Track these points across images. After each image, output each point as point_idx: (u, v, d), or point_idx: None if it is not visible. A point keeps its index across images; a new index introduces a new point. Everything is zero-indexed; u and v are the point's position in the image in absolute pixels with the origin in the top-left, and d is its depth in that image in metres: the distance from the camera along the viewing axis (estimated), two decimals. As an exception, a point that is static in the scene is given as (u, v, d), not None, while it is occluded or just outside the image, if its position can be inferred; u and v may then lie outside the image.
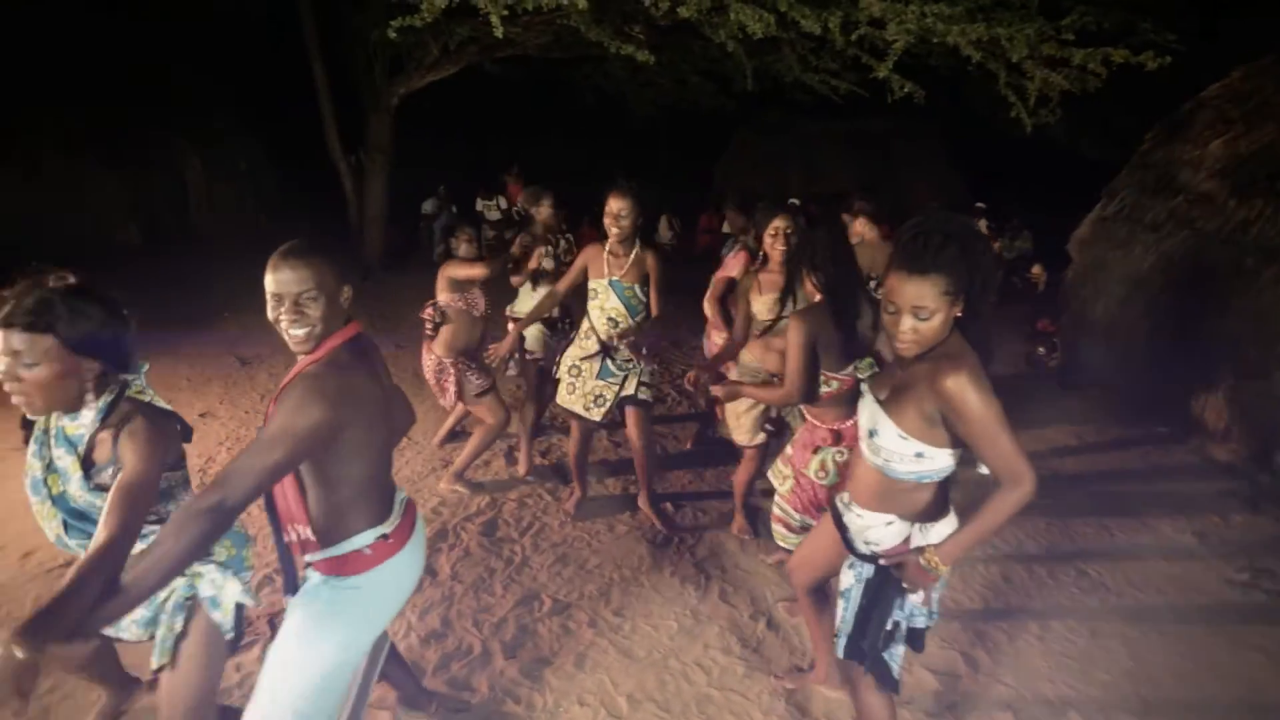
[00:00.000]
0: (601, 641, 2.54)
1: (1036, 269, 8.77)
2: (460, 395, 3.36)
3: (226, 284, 7.14)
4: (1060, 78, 4.93)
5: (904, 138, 13.67)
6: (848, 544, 1.77)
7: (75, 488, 1.47)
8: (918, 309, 1.47)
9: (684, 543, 3.18)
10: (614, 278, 2.93)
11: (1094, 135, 11.85)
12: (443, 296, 3.32)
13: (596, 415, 3.06)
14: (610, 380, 3.03)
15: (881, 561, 1.67)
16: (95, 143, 7.92)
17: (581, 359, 3.06)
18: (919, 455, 1.56)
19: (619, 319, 2.96)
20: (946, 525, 1.65)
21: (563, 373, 3.11)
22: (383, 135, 8.13)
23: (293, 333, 1.43)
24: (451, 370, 3.32)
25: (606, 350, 3.00)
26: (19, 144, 7.46)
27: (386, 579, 1.58)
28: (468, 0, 3.68)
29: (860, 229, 3.80)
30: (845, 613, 1.74)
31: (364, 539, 1.52)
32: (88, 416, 1.49)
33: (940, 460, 1.57)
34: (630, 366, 3.05)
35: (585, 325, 3.07)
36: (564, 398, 3.11)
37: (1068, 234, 5.83)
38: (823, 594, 2.16)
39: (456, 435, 4.07)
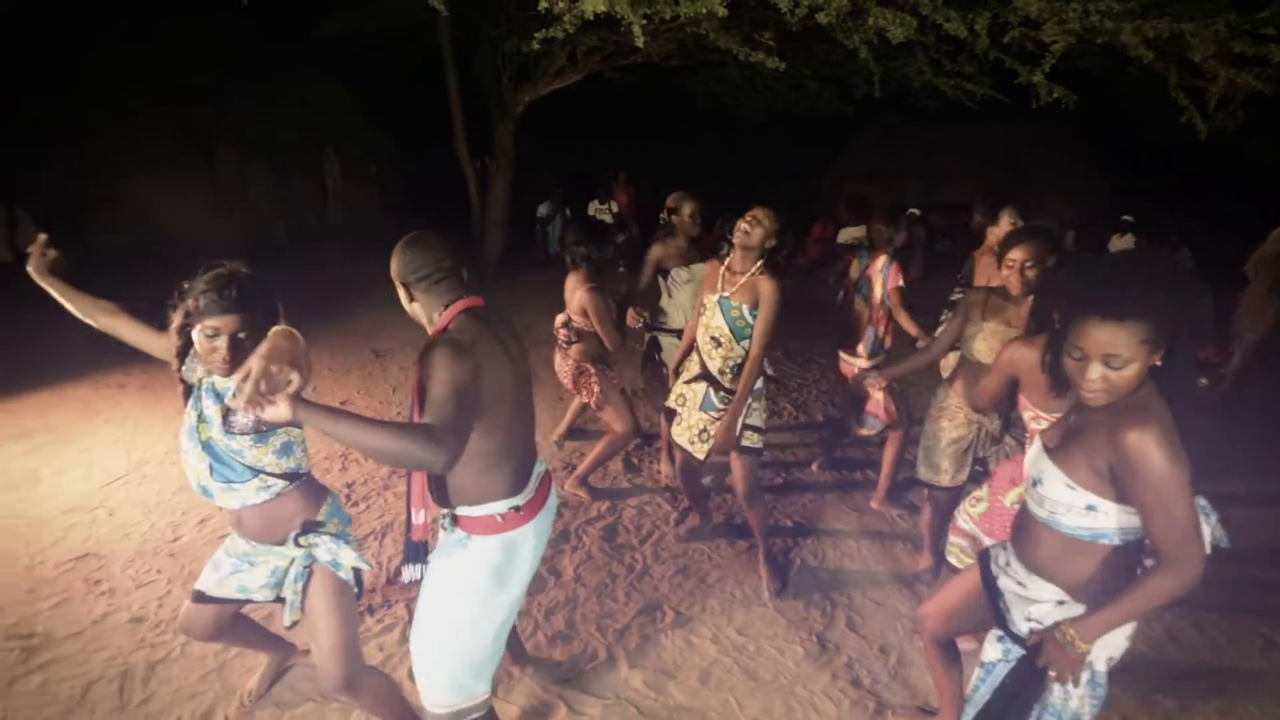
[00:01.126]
0: (725, 660, 2.49)
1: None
2: (603, 399, 3.39)
3: (360, 280, 7.66)
4: (1250, 77, 4.39)
5: (1035, 142, 12.74)
6: (999, 618, 1.58)
7: (216, 432, 1.69)
8: (1110, 357, 1.31)
9: (806, 565, 3.08)
10: (724, 295, 2.66)
11: (1266, 137, 10.56)
12: (578, 319, 3.30)
13: (700, 453, 2.77)
14: (714, 414, 2.73)
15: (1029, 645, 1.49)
16: (256, 149, 8.73)
17: (685, 383, 2.82)
18: (1090, 508, 1.39)
19: (721, 339, 2.68)
20: None
21: (672, 400, 2.88)
22: (507, 140, 8.46)
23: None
24: (593, 373, 3.37)
25: (709, 378, 2.73)
26: (195, 151, 8.34)
27: (515, 544, 1.72)
28: (606, 13, 3.73)
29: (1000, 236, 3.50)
30: (982, 686, 1.57)
31: (498, 507, 1.68)
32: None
33: (1115, 517, 1.38)
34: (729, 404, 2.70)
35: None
36: (674, 429, 2.85)
37: (1231, 250, 5.20)
38: (952, 647, 2.00)
39: (574, 433, 4.14)
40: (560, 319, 3.35)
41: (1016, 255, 2.40)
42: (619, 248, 10.54)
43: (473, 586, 1.69)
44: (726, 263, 2.72)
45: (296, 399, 1.23)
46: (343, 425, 1.29)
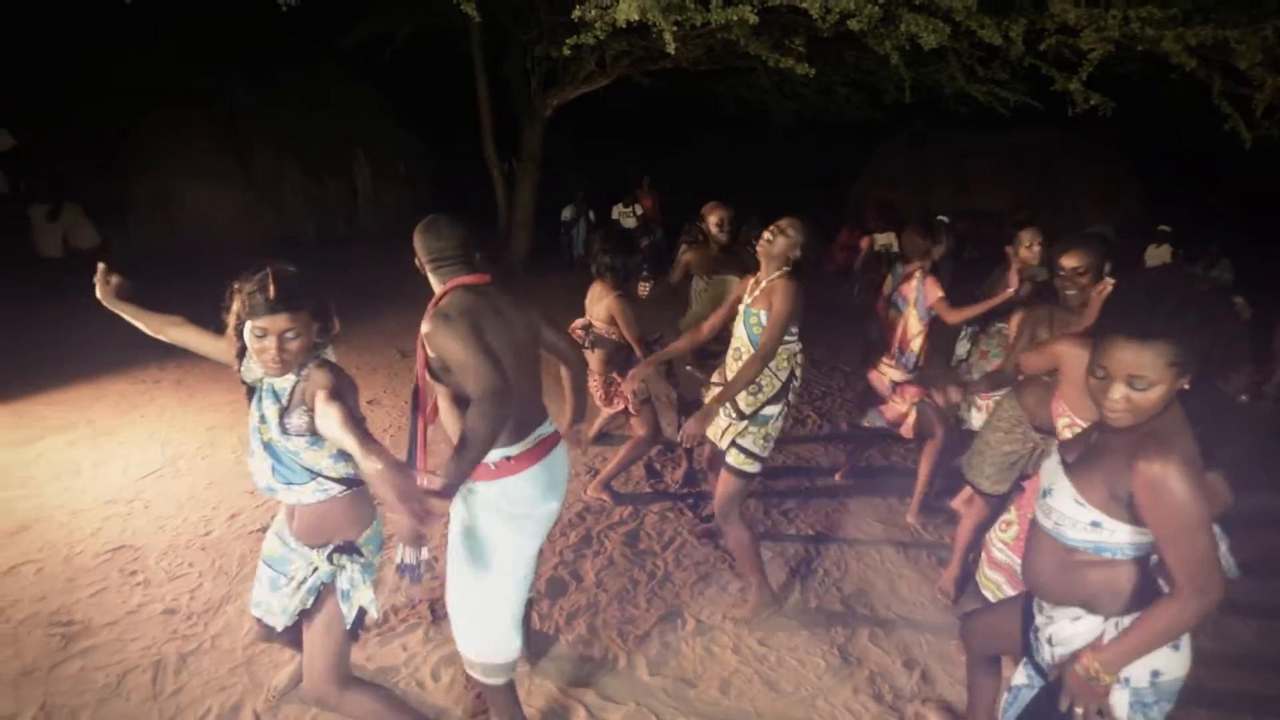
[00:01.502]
0: (746, 670, 2.48)
1: (1240, 302, 7.68)
2: (636, 403, 3.38)
3: (388, 281, 7.76)
4: (1300, 84, 4.26)
5: (1070, 148, 12.51)
6: (1027, 646, 1.56)
7: (275, 433, 1.70)
8: (1134, 378, 1.28)
9: (829, 576, 3.06)
10: (747, 303, 2.57)
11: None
12: (599, 324, 3.32)
13: (723, 444, 2.64)
14: (719, 421, 2.61)
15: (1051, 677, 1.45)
16: (289, 152, 8.91)
17: (714, 383, 2.75)
18: (1095, 524, 1.37)
19: (742, 350, 2.55)
20: None
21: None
22: (534, 144, 8.54)
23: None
24: (619, 381, 3.37)
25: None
26: (232, 153, 8.55)
27: (511, 490, 1.93)
28: (638, 19, 3.75)
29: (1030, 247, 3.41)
30: (1010, 709, 1.56)
31: (492, 455, 1.89)
32: (290, 374, 1.71)
33: (1120, 534, 1.36)
34: (733, 416, 2.55)
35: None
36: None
37: (1275, 262, 5.04)
38: (996, 663, 1.97)
39: (600, 438, 4.15)
40: (580, 323, 3.38)
41: (1068, 263, 2.32)
42: (643, 251, 10.54)
43: (482, 530, 1.93)
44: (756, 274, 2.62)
45: (436, 500, 1.51)
46: (463, 466, 1.66)
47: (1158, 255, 9.48)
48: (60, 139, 6.75)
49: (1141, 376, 1.27)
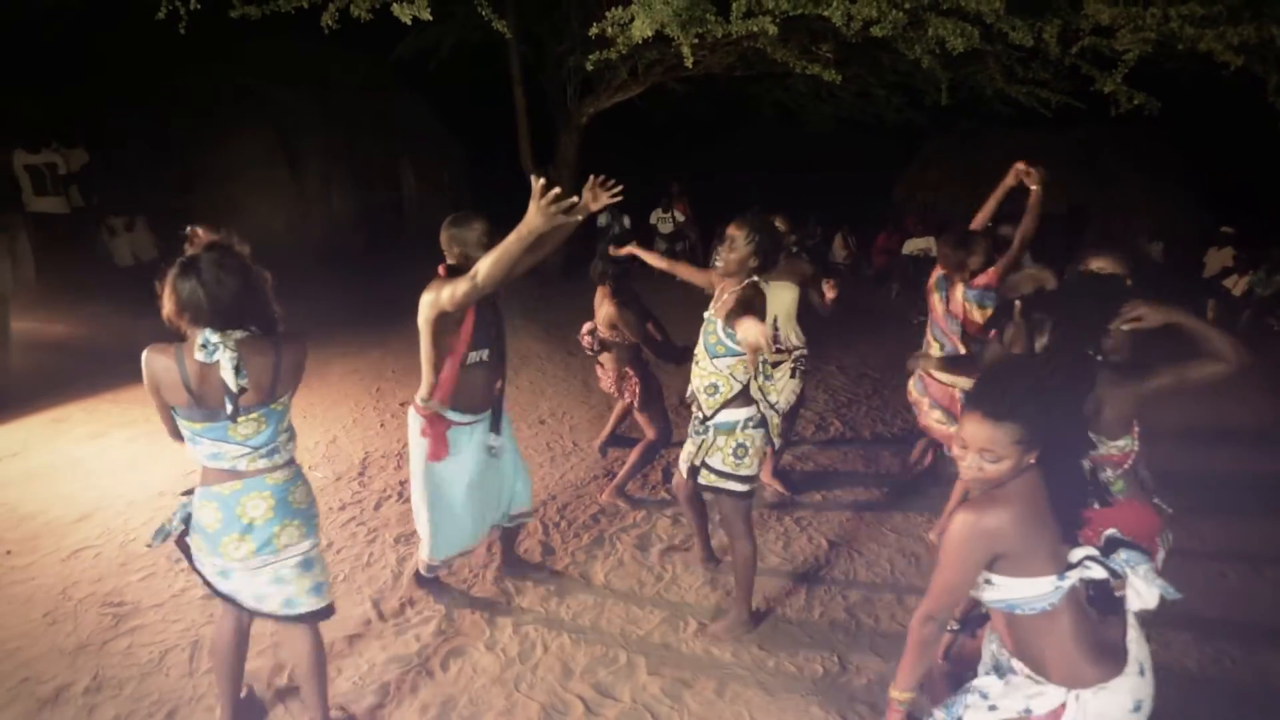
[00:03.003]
0: (743, 673, 2.53)
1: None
2: (646, 401, 3.49)
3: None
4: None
5: (1123, 148, 11.99)
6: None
7: None
8: (985, 451, 1.40)
9: (836, 584, 3.07)
10: (710, 312, 2.57)
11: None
12: (604, 330, 3.43)
13: (682, 475, 2.70)
14: (693, 438, 2.62)
15: None
16: (338, 162, 9.33)
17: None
18: (987, 582, 1.44)
19: (699, 357, 2.55)
20: (1117, 694, 1.38)
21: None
22: (570, 152, 8.70)
23: None
24: (633, 376, 3.49)
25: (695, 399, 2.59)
26: (285, 164, 9.01)
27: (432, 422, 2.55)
28: (659, 31, 3.84)
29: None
30: (954, 706, 1.60)
31: (416, 401, 2.61)
32: None
33: (1016, 589, 1.40)
34: (702, 431, 2.55)
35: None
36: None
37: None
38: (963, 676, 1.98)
39: (616, 440, 4.25)
40: (587, 327, 3.50)
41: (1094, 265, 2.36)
42: (676, 253, 10.63)
43: (418, 455, 2.59)
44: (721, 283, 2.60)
45: None
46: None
47: (1219, 258, 9.02)
48: (128, 156, 7.24)
49: (991, 451, 1.39)
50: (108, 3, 6.62)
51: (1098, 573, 1.39)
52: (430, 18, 3.89)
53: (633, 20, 3.69)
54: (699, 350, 2.55)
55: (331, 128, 9.51)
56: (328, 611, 2.04)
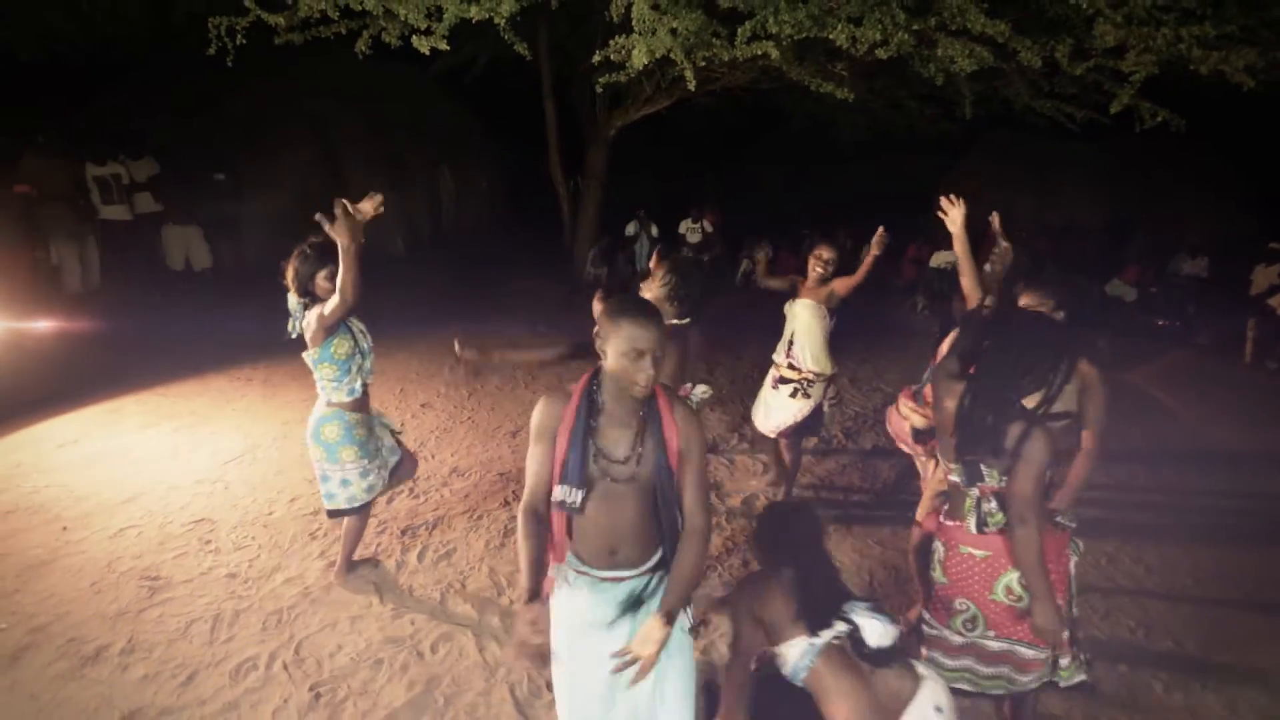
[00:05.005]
0: (699, 661, 2.68)
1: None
2: None
3: (459, 294, 8.40)
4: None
5: (1169, 160, 11.65)
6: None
7: None
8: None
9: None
10: None
11: None
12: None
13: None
14: None
15: None
16: (379, 170, 9.77)
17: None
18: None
19: None
20: None
21: None
22: (598, 163, 8.97)
23: None
24: None
25: None
26: (329, 174, 9.50)
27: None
28: (649, 61, 3.99)
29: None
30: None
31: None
32: None
33: (785, 654, 1.64)
34: None
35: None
36: None
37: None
38: None
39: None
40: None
41: (1024, 303, 2.47)
42: (703, 265, 10.75)
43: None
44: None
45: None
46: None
47: (1266, 275, 8.69)
48: (184, 167, 7.79)
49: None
50: (164, 32, 7.18)
51: (840, 627, 1.59)
52: (447, 48, 4.16)
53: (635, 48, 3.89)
54: None
55: (373, 138, 9.98)
56: None
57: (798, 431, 3.78)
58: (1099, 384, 2.49)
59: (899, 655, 1.62)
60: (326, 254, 2.79)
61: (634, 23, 3.89)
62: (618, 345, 1.57)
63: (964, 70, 4.54)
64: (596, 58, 4.16)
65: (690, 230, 10.90)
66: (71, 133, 7.32)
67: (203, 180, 8.01)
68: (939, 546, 2.10)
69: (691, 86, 4.19)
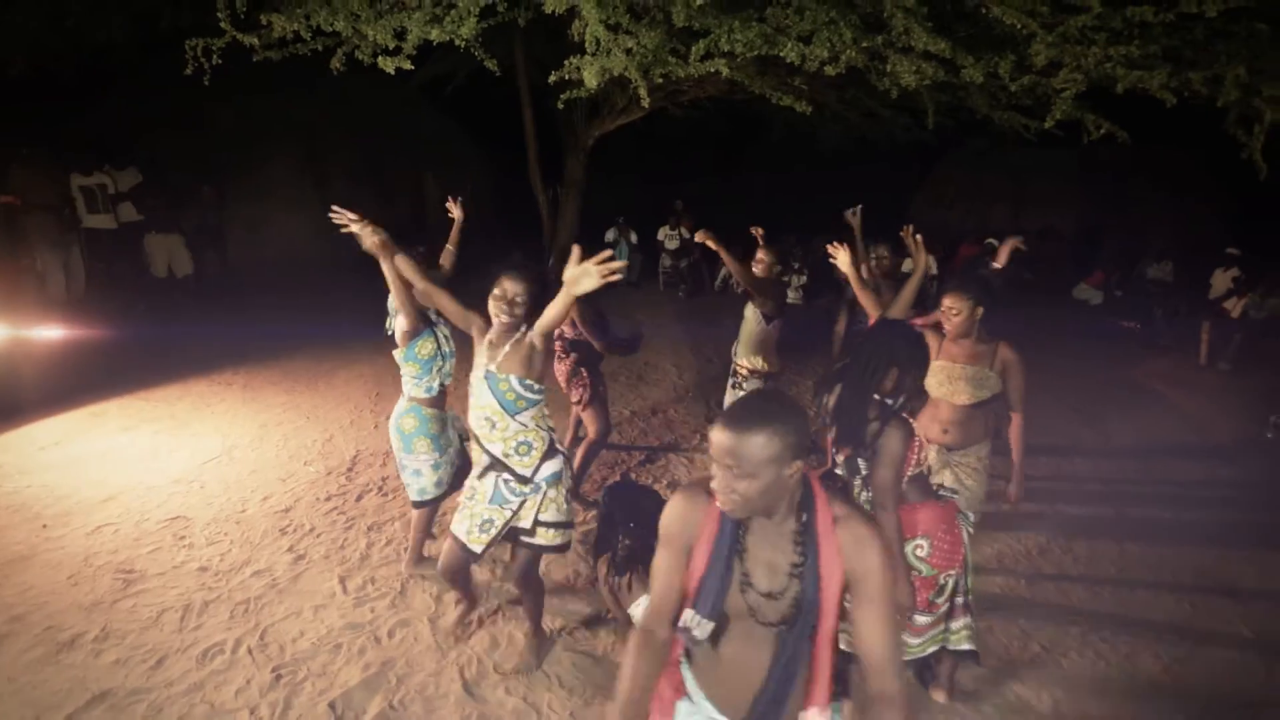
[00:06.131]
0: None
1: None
2: (590, 399, 3.87)
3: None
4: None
5: (1142, 168, 11.94)
6: None
7: None
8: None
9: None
10: (488, 369, 2.39)
11: None
12: (568, 329, 3.84)
13: (477, 545, 2.46)
14: (503, 507, 2.45)
15: None
16: (364, 178, 9.97)
17: (477, 478, 2.51)
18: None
19: (495, 419, 2.39)
20: None
21: (462, 497, 2.56)
22: (577, 172, 9.17)
23: None
24: (585, 377, 3.87)
25: (498, 465, 2.43)
26: (313, 183, 9.69)
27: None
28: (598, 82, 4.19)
29: None
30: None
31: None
32: None
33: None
34: (530, 491, 2.44)
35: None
36: (455, 518, 2.54)
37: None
38: None
39: (579, 441, 4.62)
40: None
41: (945, 302, 2.85)
42: (681, 270, 10.97)
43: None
44: (486, 335, 2.41)
45: None
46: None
47: (1224, 279, 8.97)
48: (169, 177, 7.97)
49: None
50: (151, 46, 7.36)
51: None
52: (411, 67, 4.36)
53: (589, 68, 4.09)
54: (495, 412, 2.38)
55: (356, 146, 10.18)
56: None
57: None
58: (1018, 366, 2.82)
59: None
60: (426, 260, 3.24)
61: (587, 44, 4.10)
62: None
63: (910, 86, 4.76)
64: (552, 77, 4.37)
65: (669, 237, 11.11)
66: (60, 144, 7.50)
67: (188, 191, 8.18)
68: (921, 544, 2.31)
69: (645, 104, 4.40)
